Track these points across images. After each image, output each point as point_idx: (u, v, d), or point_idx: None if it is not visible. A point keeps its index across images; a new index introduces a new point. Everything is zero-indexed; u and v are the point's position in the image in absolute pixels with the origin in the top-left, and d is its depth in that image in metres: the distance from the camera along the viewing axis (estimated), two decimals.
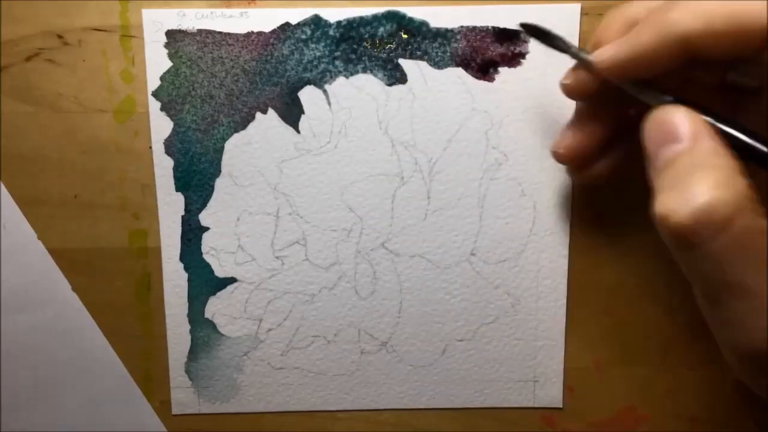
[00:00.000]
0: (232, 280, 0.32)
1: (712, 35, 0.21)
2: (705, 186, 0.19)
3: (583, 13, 0.30)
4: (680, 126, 0.21)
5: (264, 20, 0.30)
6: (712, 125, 0.21)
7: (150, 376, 0.33)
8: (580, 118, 0.28)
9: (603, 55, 0.23)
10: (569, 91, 0.26)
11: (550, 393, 0.33)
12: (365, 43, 0.31)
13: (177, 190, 0.32)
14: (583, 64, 0.25)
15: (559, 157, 0.28)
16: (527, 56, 0.31)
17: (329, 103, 0.31)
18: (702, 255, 0.20)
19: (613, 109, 0.27)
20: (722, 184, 0.19)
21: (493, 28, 0.30)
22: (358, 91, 0.31)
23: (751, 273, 0.19)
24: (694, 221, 0.19)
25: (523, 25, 0.28)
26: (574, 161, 0.28)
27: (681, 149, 0.21)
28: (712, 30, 0.20)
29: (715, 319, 0.21)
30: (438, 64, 0.31)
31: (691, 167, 0.20)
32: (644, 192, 0.22)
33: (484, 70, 0.31)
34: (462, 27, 0.30)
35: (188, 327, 0.33)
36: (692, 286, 0.21)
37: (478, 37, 0.30)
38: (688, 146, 0.21)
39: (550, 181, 0.32)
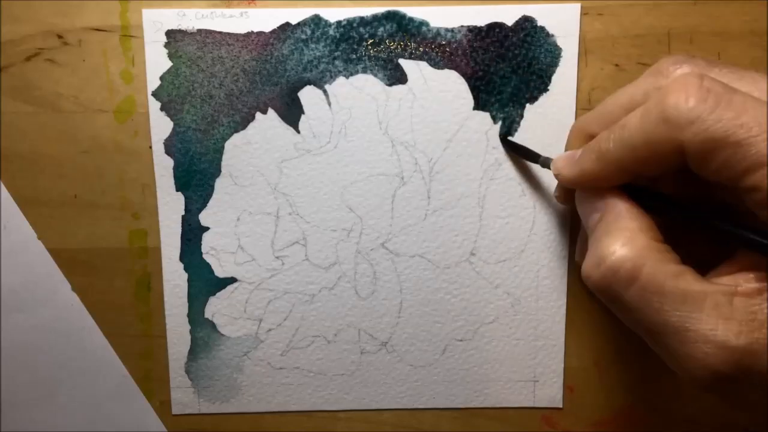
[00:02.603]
0: (232, 280, 0.32)
1: (640, 163, 0.23)
2: (610, 248, 0.23)
3: (583, 13, 0.30)
4: (597, 199, 0.25)
5: (264, 20, 0.30)
6: (635, 197, 0.24)
7: (150, 376, 0.33)
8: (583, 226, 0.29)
9: (559, 170, 0.26)
10: (563, 201, 0.29)
11: (550, 393, 0.33)
12: (365, 43, 0.30)
13: (177, 190, 0.32)
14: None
15: (579, 264, 0.30)
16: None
17: (329, 103, 0.31)
18: (622, 305, 0.23)
19: None
20: (626, 242, 0.23)
21: (493, 27, 0.30)
22: (358, 91, 0.31)
23: (668, 312, 0.21)
24: (605, 280, 0.23)
25: (502, 139, 0.31)
26: None
27: (599, 217, 0.24)
28: (638, 159, 0.23)
29: (661, 356, 0.23)
30: (438, 64, 0.31)
31: (603, 232, 0.24)
32: None
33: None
34: (462, 27, 0.30)
35: (188, 327, 0.33)
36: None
37: (478, 37, 0.30)
38: (603, 215, 0.24)
39: (550, 181, 0.31)
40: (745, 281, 0.22)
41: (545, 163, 0.29)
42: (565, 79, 0.31)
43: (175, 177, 0.31)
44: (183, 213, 0.32)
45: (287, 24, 0.30)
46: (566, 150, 0.28)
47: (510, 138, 0.31)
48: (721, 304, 0.21)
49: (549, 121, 0.31)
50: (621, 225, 0.23)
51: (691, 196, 0.25)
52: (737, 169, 0.20)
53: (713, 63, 0.23)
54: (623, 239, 0.23)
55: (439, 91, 0.31)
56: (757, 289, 0.21)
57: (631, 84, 0.25)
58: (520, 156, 0.31)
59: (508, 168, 0.31)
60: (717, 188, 0.24)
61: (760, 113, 0.20)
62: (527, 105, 0.31)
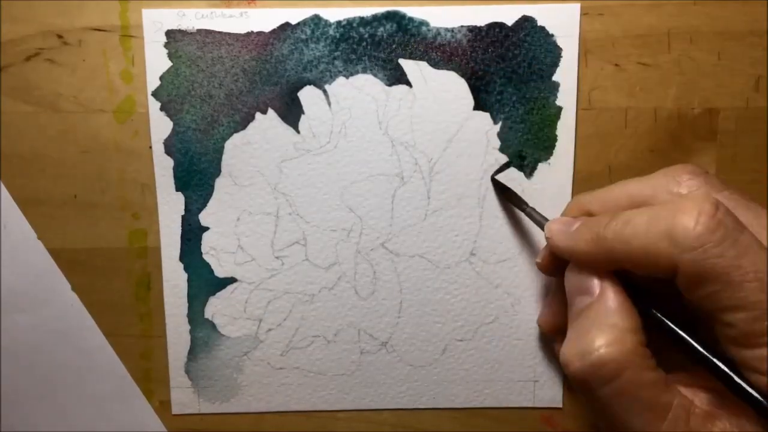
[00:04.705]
0: (232, 280, 0.32)
1: (633, 263, 0.23)
2: (598, 343, 0.23)
3: (583, 13, 0.30)
4: (592, 281, 0.25)
5: (264, 20, 0.30)
6: (626, 286, 0.25)
7: (150, 376, 0.33)
8: (556, 294, 0.30)
9: (552, 234, 0.26)
10: (542, 268, 0.29)
11: (550, 393, 0.33)
12: (365, 43, 0.30)
13: (177, 189, 0.32)
14: (539, 226, 0.28)
15: (541, 329, 0.32)
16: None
17: (329, 103, 0.31)
18: (595, 398, 0.23)
19: None
20: (614, 341, 0.23)
21: (493, 27, 0.30)
22: (358, 91, 0.31)
23: (637, 417, 0.22)
24: (584, 373, 0.23)
25: (493, 179, 0.31)
26: (554, 333, 0.30)
27: (589, 302, 0.25)
28: (633, 258, 0.23)
29: None
30: (438, 65, 0.31)
31: (592, 323, 0.24)
32: None
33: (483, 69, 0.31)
34: (462, 27, 0.30)
35: (188, 327, 0.33)
36: None
37: (478, 37, 0.30)
38: (595, 301, 0.24)
39: (550, 181, 0.31)
40: (700, 402, 0.23)
41: (531, 214, 0.29)
42: (565, 79, 0.31)
43: (175, 177, 0.31)
44: (183, 213, 0.32)
45: (287, 24, 0.30)
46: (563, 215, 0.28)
47: (498, 178, 0.31)
48: (679, 418, 0.22)
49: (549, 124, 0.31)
50: (611, 321, 0.24)
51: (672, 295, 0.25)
52: (720, 304, 0.21)
53: (724, 185, 0.24)
54: (612, 338, 0.23)
55: (439, 91, 0.31)
56: (709, 413, 0.22)
57: (641, 178, 0.26)
58: (505, 198, 0.31)
59: (508, 168, 0.31)
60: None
61: (760, 259, 0.21)
62: (527, 106, 0.31)
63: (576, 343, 0.24)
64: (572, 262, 0.26)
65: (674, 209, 0.22)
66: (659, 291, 0.25)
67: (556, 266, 0.28)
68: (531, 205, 0.30)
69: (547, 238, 0.27)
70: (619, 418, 0.23)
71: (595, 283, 0.25)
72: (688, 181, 0.25)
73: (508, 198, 0.31)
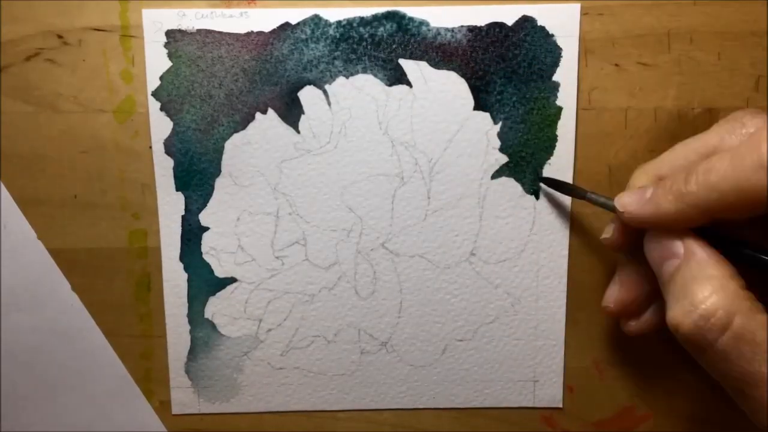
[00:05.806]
0: (232, 280, 0.32)
1: (726, 207, 0.23)
2: (701, 295, 0.23)
3: (583, 13, 0.30)
4: (675, 243, 0.25)
5: (264, 20, 0.30)
6: (708, 241, 0.24)
7: (150, 376, 0.33)
8: (624, 271, 0.29)
9: (627, 207, 0.26)
10: (611, 244, 0.28)
11: (550, 393, 0.33)
12: (365, 43, 0.30)
13: (177, 189, 0.32)
14: (606, 208, 0.27)
15: (610, 312, 0.30)
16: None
17: (329, 103, 0.31)
18: (713, 355, 0.22)
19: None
20: (716, 290, 0.22)
21: (493, 27, 0.30)
22: (358, 91, 0.31)
23: (759, 362, 0.21)
24: (697, 329, 0.22)
25: (541, 179, 0.31)
26: (624, 314, 0.30)
27: (678, 264, 0.24)
28: (724, 202, 0.23)
29: (745, 410, 0.23)
30: (438, 65, 0.31)
31: (689, 279, 0.23)
32: None
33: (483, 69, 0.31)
34: (462, 27, 0.30)
35: (188, 327, 0.33)
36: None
37: (478, 37, 0.30)
38: (684, 260, 0.24)
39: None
40: None
41: (594, 199, 0.28)
42: (565, 79, 0.31)
43: (175, 177, 0.31)
44: (183, 213, 0.32)
45: (287, 24, 0.30)
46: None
47: (548, 176, 0.31)
48: None
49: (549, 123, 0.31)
50: (708, 272, 0.23)
51: (760, 242, 0.25)
52: None
53: None
54: (713, 287, 0.23)
55: (439, 91, 0.31)
56: None
57: (702, 133, 0.26)
58: (563, 193, 0.31)
59: (508, 168, 0.31)
60: None
61: None
62: (527, 106, 0.31)
63: (679, 304, 0.23)
64: (651, 230, 0.25)
65: (755, 141, 0.22)
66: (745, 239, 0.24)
67: (627, 240, 0.27)
68: (537, 205, 0.29)
69: (620, 213, 0.26)
70: (745, 370, 0.22)
71: (679, 244, 0.24)
72: (752, 120, 0.24)
73: (563, 191, 0.31)
